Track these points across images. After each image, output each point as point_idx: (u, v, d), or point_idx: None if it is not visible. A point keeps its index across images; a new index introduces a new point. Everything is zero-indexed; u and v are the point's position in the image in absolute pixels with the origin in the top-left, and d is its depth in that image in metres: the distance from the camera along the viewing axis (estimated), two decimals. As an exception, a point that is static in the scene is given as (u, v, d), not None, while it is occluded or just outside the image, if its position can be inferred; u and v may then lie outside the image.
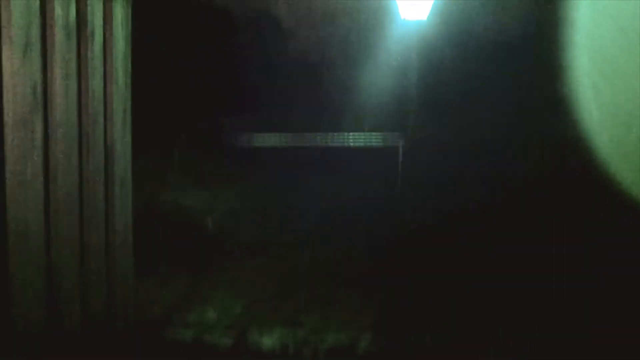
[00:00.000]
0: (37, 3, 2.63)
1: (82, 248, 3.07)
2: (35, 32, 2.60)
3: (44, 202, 2.72)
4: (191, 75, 8.37)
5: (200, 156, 8.22)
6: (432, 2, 8.29)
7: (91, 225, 3.13)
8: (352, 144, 8.80)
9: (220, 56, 8.69)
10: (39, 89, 2.63)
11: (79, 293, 3.03)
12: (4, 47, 2.47)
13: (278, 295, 5.79)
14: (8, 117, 2.50)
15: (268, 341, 4.84)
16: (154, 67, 7.09)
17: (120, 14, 3.42)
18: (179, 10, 8.32)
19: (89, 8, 3.04)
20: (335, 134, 8.62)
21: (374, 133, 8.79)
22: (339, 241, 7.07)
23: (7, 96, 2.50)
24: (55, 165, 2.80)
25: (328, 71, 9.19)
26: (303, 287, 5.94)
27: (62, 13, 2.80)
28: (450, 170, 8.28)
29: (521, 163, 8.04)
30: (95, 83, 3.13)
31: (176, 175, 8.06)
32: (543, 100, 8.36)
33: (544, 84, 8.28)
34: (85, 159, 3.08)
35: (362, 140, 8.72)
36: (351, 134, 8.71)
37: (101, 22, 3.20)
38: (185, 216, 7.57)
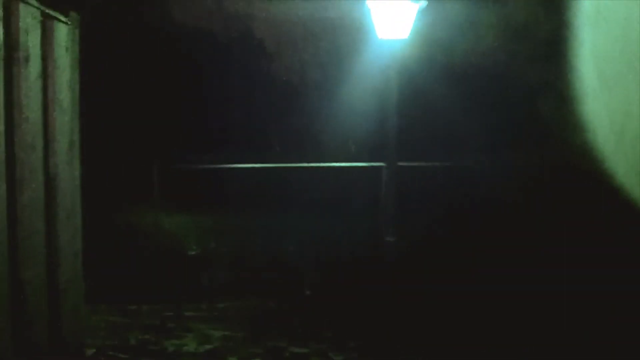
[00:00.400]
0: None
1: (16, 285, 2.76)
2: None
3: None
4: (162, 103, 8.07)
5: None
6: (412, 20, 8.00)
7: (27, 260, 2.82)
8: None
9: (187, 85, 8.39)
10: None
11: (10, 330, 2.71)
12: None
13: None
14: None
15: None
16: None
17: (64, 37, 3.14)
18: (151, 32, 8.02)
19: (21, 30, 2.74)
20: (312, 163, 8.27)
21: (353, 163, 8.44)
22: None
23: None
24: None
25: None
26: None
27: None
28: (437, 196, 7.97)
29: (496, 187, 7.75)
30: (31, 111, 2.84)
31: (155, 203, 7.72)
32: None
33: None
34: (18, 190, 2.78)
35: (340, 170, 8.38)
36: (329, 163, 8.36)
37: (38, 46, 2.91)
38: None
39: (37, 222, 2.93)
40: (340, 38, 9.17)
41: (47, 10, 2.97)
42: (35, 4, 2.85)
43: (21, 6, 2.72)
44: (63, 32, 3.12)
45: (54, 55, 3.02)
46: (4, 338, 2.69)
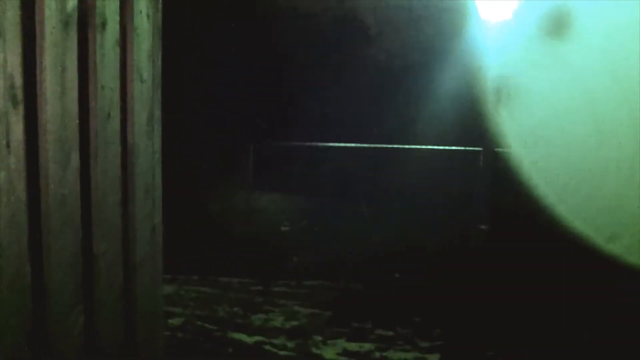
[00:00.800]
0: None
1: (89, 259, 2.58)
2: (13, 17, 2.10)
3: (27, 213, 2.22)
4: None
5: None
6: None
7: (98, 235, 2.62)
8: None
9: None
10: (18, 81, 2.13)
11: (76, 314, 2.52)
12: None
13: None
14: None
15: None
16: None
17: (144, 4, 2.92)
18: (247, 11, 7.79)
19: (97, -4, 2.53)
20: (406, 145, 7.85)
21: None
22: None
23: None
24: (45, 169, 2.30)
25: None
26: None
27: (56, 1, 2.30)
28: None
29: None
30: (106, 78, 2.63)
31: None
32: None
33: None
34: (93, 161, 2.58)
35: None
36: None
37: (116, 12, 2.69)
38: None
39: (112, 195, 2.73)
40: (443, 20, 8.66)
41: (127, -24, 2.75)
42: (114, -33, 2.63)
43: (98, -31, 2.51)
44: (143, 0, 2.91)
45: (133, 23, 2.81)
46: (73, 318, 2.51)
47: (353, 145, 8.06)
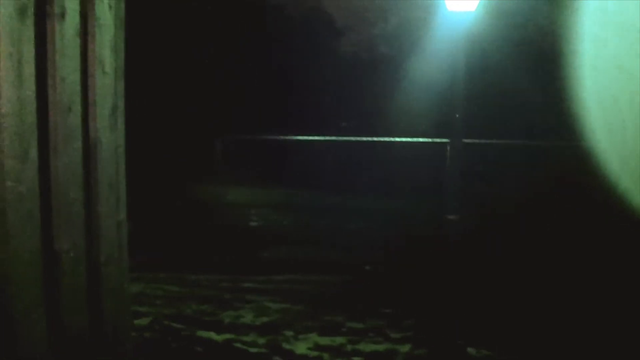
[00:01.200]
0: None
1: (48, 256, 2.48)
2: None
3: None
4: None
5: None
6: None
7: (60, 232, 2.53)
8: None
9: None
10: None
11: (42, 308, 2.43)
12: None
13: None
14: None
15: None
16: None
17: (106, -6, 2.82)
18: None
19: (56, -17, 2.43)
20: (375, 138, 7.83)
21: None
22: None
23: None
24: (1, 164, 2.20)
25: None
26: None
27: (11, -14, 2.20)
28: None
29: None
30: (66, 69, 2.53)
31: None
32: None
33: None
34: (53, 156, 2.49)
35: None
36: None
37: (77, 1, 2.59)
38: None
39: (74, 191, 2.64)
40: (410, 12, 8.67)
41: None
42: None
43: (55, -43, 2.41)
44: (106, -12, 2.81)
45: (94, 13, 2.71)
46: (37, 314, 2.43)
47: (322, 138, 8.02)
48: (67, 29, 2.54)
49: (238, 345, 4.67)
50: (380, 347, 4.64)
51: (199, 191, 7.08)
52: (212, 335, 4.85)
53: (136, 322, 4.96)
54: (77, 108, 2.66)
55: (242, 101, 7.78)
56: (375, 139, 8.07)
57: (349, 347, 4.63)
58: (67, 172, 2.59)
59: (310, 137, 7.69)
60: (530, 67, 8.35)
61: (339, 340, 4.77)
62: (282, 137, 7.72)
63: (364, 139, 7.99)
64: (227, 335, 4.84)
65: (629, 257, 5.63)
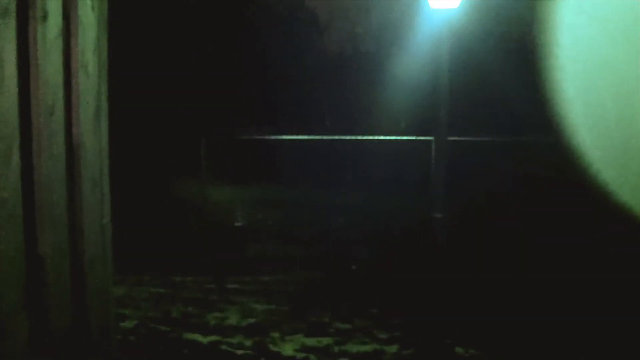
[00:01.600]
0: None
1: (32, 259, 2.49)
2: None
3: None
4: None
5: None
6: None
7: (43, 236, 2.54)
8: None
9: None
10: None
11: (26, 309, 2.43)
12: None
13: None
14: None
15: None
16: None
17: (89, -6, 2.82)
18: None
19: (37, -16, 2.43)
20: (359, 136, 7.84)
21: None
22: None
23: None
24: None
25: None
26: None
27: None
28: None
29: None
30: (49, 71, 2.54)
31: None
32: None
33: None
34: (36, 159, 2.49)
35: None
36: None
37: (59, 2, 2.59)
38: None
39: (57, 193, 2.64)
40: (393, 9, 8.72)
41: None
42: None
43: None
44: (88, -11, 2.81)
45: (77, 14, 2.71)
46: (22, 316, 2.43)
47: (305, 137, 8.02)
48: (50, 31, 2.54)
49: (224, 347, 4.68)
50: (368, 348, 4.67)
51: (184, 190, 7.07)
52: (198, 337, 4.85)
53: (122, 325, 4.96)
54: (60, 110, 2.66)
55: (226, 99, 7.78)
56: (359, 137, 8.10)
57: (336, 348, 4.66)
58: (51, 175, 2.59)
59: (295, 137, 7.70)
60: (514, 63, 8.41)
61: (326, 341, 4.79)
62: (266, 137, 7.73)
63: (348, 137, 8.02)
64: (214, 338, 4.85)
65: (614, 251, 5.71)
